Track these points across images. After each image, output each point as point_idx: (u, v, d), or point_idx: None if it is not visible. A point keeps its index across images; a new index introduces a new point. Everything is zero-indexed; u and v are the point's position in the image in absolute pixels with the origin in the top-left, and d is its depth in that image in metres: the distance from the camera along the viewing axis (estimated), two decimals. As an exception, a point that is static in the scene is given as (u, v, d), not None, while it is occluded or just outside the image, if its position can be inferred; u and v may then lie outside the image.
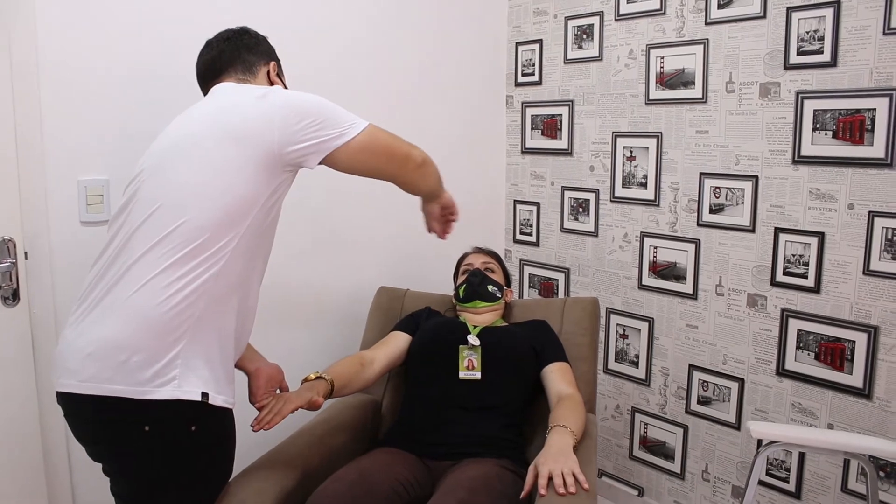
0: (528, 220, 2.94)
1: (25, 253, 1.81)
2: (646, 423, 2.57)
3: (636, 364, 2.58)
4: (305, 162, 1.42)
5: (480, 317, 2.14)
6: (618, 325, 2.63)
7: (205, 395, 1.34)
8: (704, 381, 2.37)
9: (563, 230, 2.79)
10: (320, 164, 1.44)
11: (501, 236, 3.06)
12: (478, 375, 1.93)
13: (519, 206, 2.97)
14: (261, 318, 2.22)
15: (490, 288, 2.17)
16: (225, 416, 1.41)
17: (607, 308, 2.65)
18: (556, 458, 1.56)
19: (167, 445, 1.33)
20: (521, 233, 2.98)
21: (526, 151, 2.90)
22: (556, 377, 1.95)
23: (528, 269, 2.97)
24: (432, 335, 2.04)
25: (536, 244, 2.91)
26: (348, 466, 1.69)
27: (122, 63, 1.90)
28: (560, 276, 2.83)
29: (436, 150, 2.74)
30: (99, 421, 1.33)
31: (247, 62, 1.59)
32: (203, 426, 1.36)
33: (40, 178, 1.81)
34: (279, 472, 1.61)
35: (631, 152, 2.50)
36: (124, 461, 1.36)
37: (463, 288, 2.18)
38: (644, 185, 2.48)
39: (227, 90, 1.48)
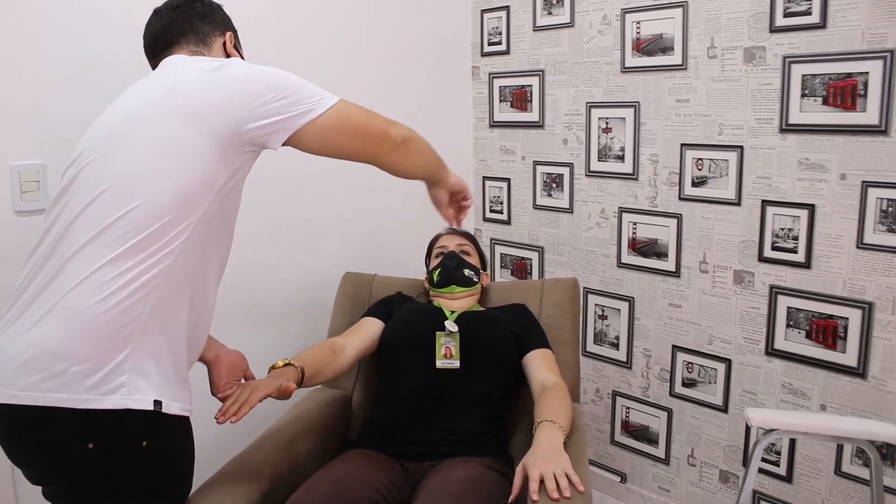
0: (499, 197, 2.80)
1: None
2: (628, 408, 2.47)
3: (616, 346, 2.47)
4: (267, 142, 1.26)
5: (457, 302, 2.00)
6: (596, 305, 2.52)
7: (158, 403, 1.18)
8: (689, 363, 2.27)
9: (536, 207, 2.66)
10: (285, 144, 1.28)
11: (471, 214, 2.92)
12: (456, 364, 1.79)
13: (488, 183, 2.83)
14: (218, 311, 2.07)
15: (466, 272, 2.03)
16: (181, 425, 1.25)
17: (585, 288, 2.53)
18: (546, 459, 1.44)
19: (115, 465, 1.16)
20: (492, 211, 2.84)
21: (494, 125, 2.76)
22: (539, 365, 1.82)
23: (499, 249, 2.84)
24: (407, 321, 1.90)
25: (508, 222, 2.78)
26: (321, 474, 1.55)
27: (56, 33, 1.70)
28: (534, 256, 2.70)
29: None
30: (34, 440, 1.15)
31: (200, 32, 1.42)
32: (157, 441, 1.19)
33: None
34: (244, 484, 1.45)
35: (607, 124, 2.37)
36: (65, 485, 1.19)
37: (437, 272, 2.04)
38: (621, 158, 2.35)
39: (177, 63, 1.31)
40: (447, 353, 1.80)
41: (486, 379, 1.80)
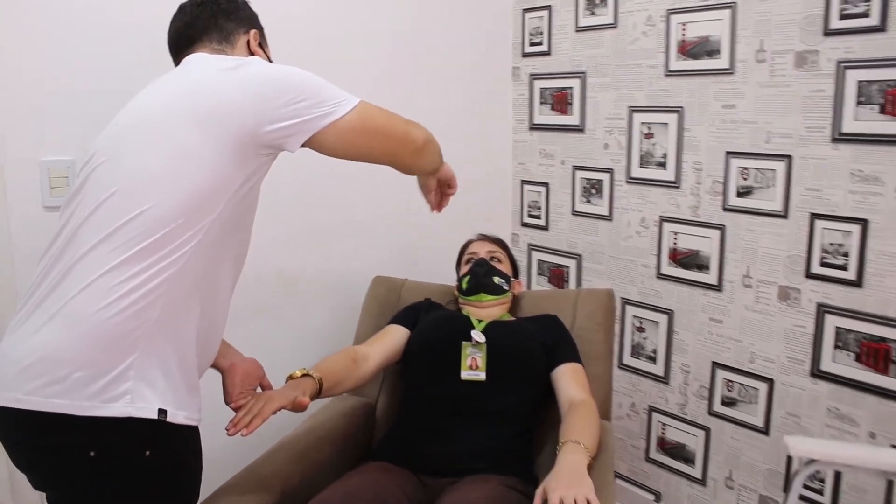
0: (537, 202, 2.72)
1: (-21, 242, 1.64)
2: (664, 424, 2.38)
3: (654, 360, 2.38)
4: (285, 144, 1.22)
5: (485, 311, 1.95)
6: (634, 317, 2.43)
7: (162, 412, 1.15)
8: (729, 381, 2.17)
9: (575, 213, 2.58)
10: (303, 146, 1.25)
11: (508, 219, 2.86)
12: (482, 376, 1.73)
13: (527, 187, 2.76)
14: (243, 312, 2.06)
15: (496, 280, 1.97)
16: (188, 435, 1.22)
17: (622, 298, 2.45)
18: (568, 483, 1.37)
19: (117, 474, 1.14)
20: (530, 216, 2.77)
21: (534, 128, 2.68)
22: (568, 380, 1.75)
23: (536, 255, 2.76)
24: (433, 330, 1.85)
25: (545, 228, 2.70)
26: (334, 486, 1.51)
27: (88, 31, 1.71)
28: (571, 263, 2.62)
29: (434, 126, 2.51)
30: (36, 445, 1.14)
31: (223, 30, 1.40)
32: (160, 450, 1.17)
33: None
34: (253, 495, 1.42)
35: (649, 129, 2.28)
36: (66, 491, 1.17)
37: (466, 279, 1.98)
38: (663, 165, 2.26)
39: (197, 61, 1.29)
40: (473, 364, 1.74)
41: (512, 392, 1.74)
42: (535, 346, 1.80)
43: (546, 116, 2.63)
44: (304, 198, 2.17)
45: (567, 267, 2.64)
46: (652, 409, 2.41)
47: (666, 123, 2.23)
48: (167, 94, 1.22)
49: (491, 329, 1.82)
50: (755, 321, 2.08)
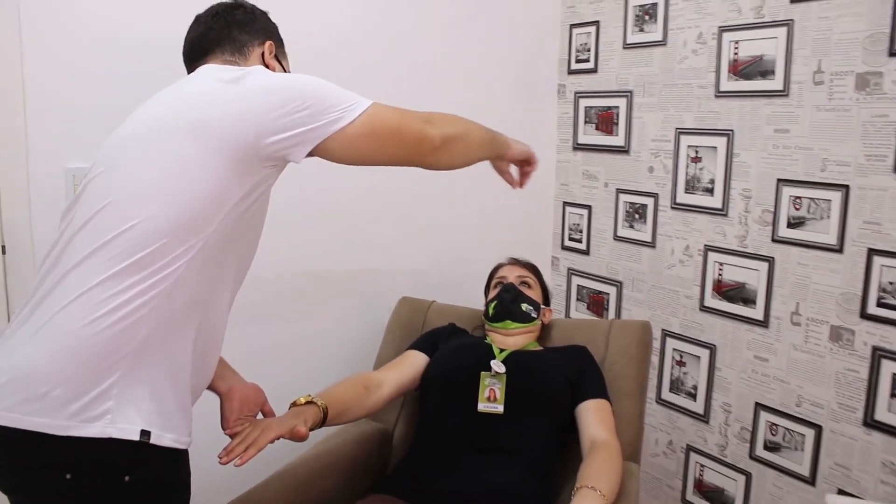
0: (579, 224, 2.62)
1: (3, 247, 1.65)
2: (702, 465, 2.23)
3: (693, 396, 2.24)
4: (290, 155, 1.17)
5: (511, 339, 1.85)
6: (674, 350, 2.29)
7: (146, 433, 1.09)
8: (773, 424, 2.02)
9: (617, 238, 2.46)
10: (311, 156, 1.19)
11: (549, 241, 2.76)
12: (499, 409, 1.64)
13: (569, 209, 2.66)
14: (260, 329, 2.02)
15: (524, 307, 1.88)
16: (175, 460, 1.17)
17: (663, 330, 2.32)
18: None
19: (94, 499, 1.09)
20: (571, 239, 2.66)
21: (578, 147, 2.58)
22: (592, 417, 1.64)
23: (576, 280, 2.65)
24: (451, 358, 1.76)
25: (586, 252, 2.59)
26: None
27: (112, 41, 1.71)
28: (611, 291, 2.50)
29: None
30: (12, 463, 1.09)
31: (237, 41, 1.36)
32: (142, 474, 1.11)
33: (21, 165, 1.66)
34: (245, 526, 1.36)
35: (696, 152, 2.16)
36: None
37: (493, 305, 1.90)
38: (710, 192, 2.13)
39: (201, 72, 1.25)
40: (491, 396, 1.65)
41: (532, 428, 1.64)
42: (559, 379, 1.70)
43: (590, 136, 2.53)
44: (330, 212, 2.12)
45: (607, 294, 2.53)
46: (690, 449, 2.27)
47: (714, 147, 2.11)
48: (168, 104, 1.18)
49: (512, 359, 1.73)
50: (804, 362, 1.93)
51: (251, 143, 1.13)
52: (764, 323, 2.02)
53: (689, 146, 2.18)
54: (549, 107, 2.66)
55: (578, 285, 2.65)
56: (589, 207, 2.57)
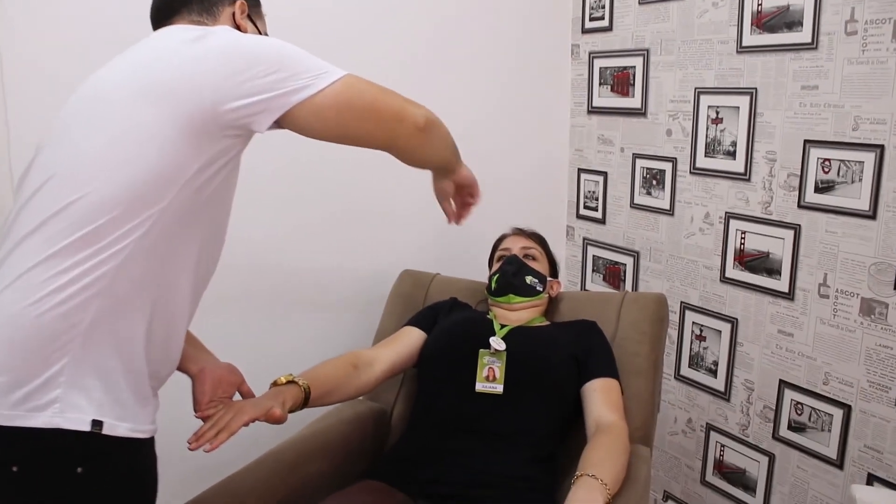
0: (594, 192, 2.49)
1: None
2: (723, 445, 2.12)
3: (714, 373, 2.12)
4: (252, 124, 1.06)
5: (515, 314, 1.75)
6: (694, 323, 2.17)
7: (97, 423, 1.01)
8: (798, 403, 1.89)
9: (634, 206, 2.33)
10: (278, 127, 1.08)
11: (563, 210, 2.63)
12: (499, 389, 1.54)
13: (584, 176, 2.53)
14: (259, 305, 1.94)
15: (528, 279, 1.77)
16: (135, 450, 1.08)
17: (682, 303, 2.19)
18: None
19: (44, 493, 1.01)
20: (586, 207, 2.53)
21: (593, 111, 2.44)
22: (598, 398, 1.54)
23: (591, 250, 2.53)
24: (448, 334, 1.66)
25: (602, 221, 2.46)
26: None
27: (94, 50, 1.61)
28: (628, 261, 2.38)
29: (484, 109, 2.37)
30: None
31: (206, 1, 1.24)
32: (96, 466, 1.03)
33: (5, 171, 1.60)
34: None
35: (717, 113, 2.01)
36: None
37: (496, 278, 1.79)
38: (732, 155, 1.98)
39: (161, 33, 1.14)
40: (490, 376, 1.55)
41: (533, 410, 1.54)
42: (564, 356, 1.59)
43: (606, 99, 2.39)
44: (328, 183, 2.02)
45: (624, 265, 2.40)
46: (710, 428, 2.15)
47: (736, 107, 1.96)
48: (122, 67, 1.08)
49: (513, 335, 1.62)
50: (832, 337, 1.80)
51: (208, 109, 1.02)
52: (789, 295, 1.88)
53: (710, 107, 2.03)
54: (563, 68, 2.52)
55: (594, 256, 2.53)
56: (605, 174, 2.43)
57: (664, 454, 2.31)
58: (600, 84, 2.40)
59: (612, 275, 2.46)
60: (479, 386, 1.54)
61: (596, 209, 2.49)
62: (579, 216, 2.57)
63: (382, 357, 1.62)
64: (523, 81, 2.43)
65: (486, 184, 2.37)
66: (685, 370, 2.22)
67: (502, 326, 1.65)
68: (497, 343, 1.58)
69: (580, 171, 2.54)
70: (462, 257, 2.27)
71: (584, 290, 2.57)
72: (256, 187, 1.83)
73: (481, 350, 1.57)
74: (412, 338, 1.70)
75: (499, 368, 1.55)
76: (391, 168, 2.13)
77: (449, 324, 1.70)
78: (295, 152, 1.88)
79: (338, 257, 2.09)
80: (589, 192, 2.52)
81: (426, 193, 2.22)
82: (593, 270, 2.54)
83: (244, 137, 1.10)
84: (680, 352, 2.23)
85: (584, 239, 2.56)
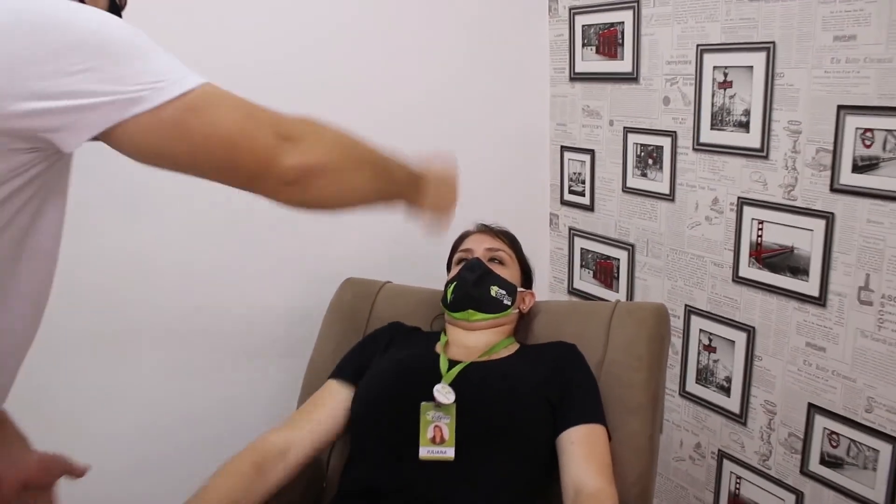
0: (580, 174, 2.11)
1: None
2: (739, 477, 1.76)
3: (726, 391, 1.76)
4: (55, 138, 0.69)
5: (474, 336, 1.38)
6: (702, 331, 1.80)
7: None
8: (833, 433, 1.53)
9: (626, 190, 1.96)
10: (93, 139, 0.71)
11: (545, 195, 2.26)
12: (449, 454, 1.17)
13: (567, 155, 2.15)
14: (148, 347, 1.59)
15: (494, 290, 1.40)
16: None
17: (687, 306, 1.82)
18: None
19: None
20: (571, 192, 2.16)
21: (576, 77, 2.06)
22: (578, 454, 1.18)
23: (579, 243, 2.16)
24: (380, 384, 1.29)
25: (590, 208, 2.09)
26: None
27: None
28: (622, 255, 2.01)
29: (450, 78, 1.98)
30: None
31: None
32: None
33: None
34: None
35: (725, 75, 1.63)
36: None
37: (452, 288, 1.42)
38: (745, 126, 1.60)
39: None
40: (436, 437, 1.18)
41: (496, 476, 1.18)
42: (533, 400, 1.23)
43: (590, 63, 2.00)
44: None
45: (617, 260, 2.03)
46: (723, 455, 1.79)
47: (749, 67, 1.57)
48: None
49: (466, 377, 1.25)
50: (876, 354, 1.43)
51: None
52: (819, 300, 1.51)
53: (716, 67, 1.64)
54: (539, 28, 2.13)
55: (582, 249, 2.15)
56: (592, 152, 2.05)
57: (668, 482, 1.96)
58: (584, 45, 2.01)
59: (604, 271, 2.09)
60: (424, 451, 1.17)
61: (582, 194, 2.11)
62: (564, 202, 2.19)
63: (298, 440, 1.25)
64: (493, 45, 2.04)
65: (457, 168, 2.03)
66: (692, 386, 1.85)
67: (451, 364, 1.28)
68: (443, 394, 1.20)
69: (563, 149, 2.16)
70: (421, 260, 1.88)
71: (573, 289, 2.20)
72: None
73: (423, 404, 1.20)
74: (336, 399, 1.33)
75: (447, 426, 1.18)
76: None
77: (381, 368, 1.33)
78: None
79: (265, 265, 1.72)
80: (574, 173, 2.14)
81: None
82: (582, 266, 2.17)
83: (50, 158, 0.73)
84: (685, 364, 1.86)
85: (570, 229, 2.18)
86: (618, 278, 2.04)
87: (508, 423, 1.20)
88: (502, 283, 1.42)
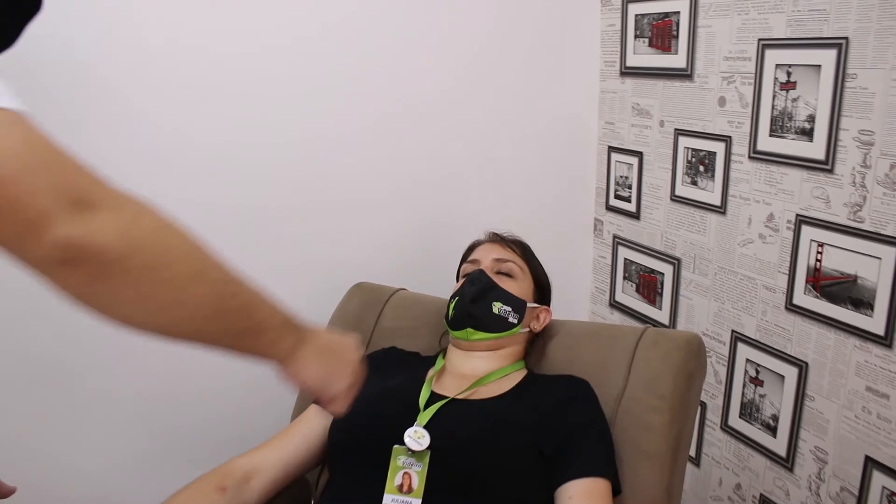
0: (627, 178, 1.93)
1: None
2: (782, 529, 1.57)
3: (773, 430, 1.56)
4: None
5: (471, 361, 1.25)
6: (749, 361, 1.61)
7: None
8: (894, 495, 1.32)
9: (675, 199, 1.77)
10: None
11: (590, 199, 2.08)
12: None
13: (615, 157, 1.97)
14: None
15: (496, 307, 1.25)
16: None
17: (734, 332, 1.63)
18: None
19: None
20: (617, 196, 1.98)
21: (627, 72, 1.87)
22: None
23: (623, 252, 1.98)
24: (353, 421, 1.15)
25: (636, 216, 1.91)
26: None
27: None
28: (666, 270, 1.82)
29: (494, 70, 1.83)
30: None
31: None
32: None
33: None
34: None
35: (789, 75, 1.42)
36: None
37: (453, 303, 1.28)
38: (808, 135, 1.40)
39: None
40: (404, 485, 1.04)
41: None
42: (519, 450, 1.07)
43: (642, 56, 1.81)
44: (275, 172, 1.54)
45: (661, 275, 1.84)
46: (765, 501, 1.60)
47: (817, 66, 1.36)
48: None
49: (445, 418, 1.10)
50: (949, 408, 1.22)
51: None
52: (885, 340, 1.30)
53: (779, 65, 1.44)
54: (591, 17, 1.95)
55: (626, 259, 1.97)
56: (640, 154, 1.87)
57: (705, 523, 1.77)
58: (636, 37, 1.82)
59: (647, 285, 1.90)
60: (388, 499, 1.03)
61: (629, 199, 1.93)
62: (609, 207, 2.02)
63: (266, 464, 1.14)
64: (543, 37, 1.89)
65: (492, 165, 1.89)
66: (735, 420, 1.66)
67: (431, 400, 1.14)
68: (414, 440, 1.05)
69: (611, 149, 1.98)
70: (443, 267, 1.74)
71: (615, 301, 2.03)
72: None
73: (396, 447, 1.06)
74: (312, 425, 1.21)
75: (417, 475, 1.04)
76: (362, 145, 1.67)
77: (360, 401, 1.20)
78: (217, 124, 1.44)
79: (271, 266, 1.61)
80: (620, 177, 1.96)
81: (395, 176, 1.75)
82: (625, 278, 1.99)
83: None
84: (729, 396, 1.67)
85: (615, 237, 2.00)
86: (661, 295, 1.85)
87: (488, 475, 1.05)
88: (507, 298, 1.27)
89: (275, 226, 1.61)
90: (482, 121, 1.83)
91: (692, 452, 1.80)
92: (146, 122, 1.45)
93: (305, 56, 1.57)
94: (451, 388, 1.18)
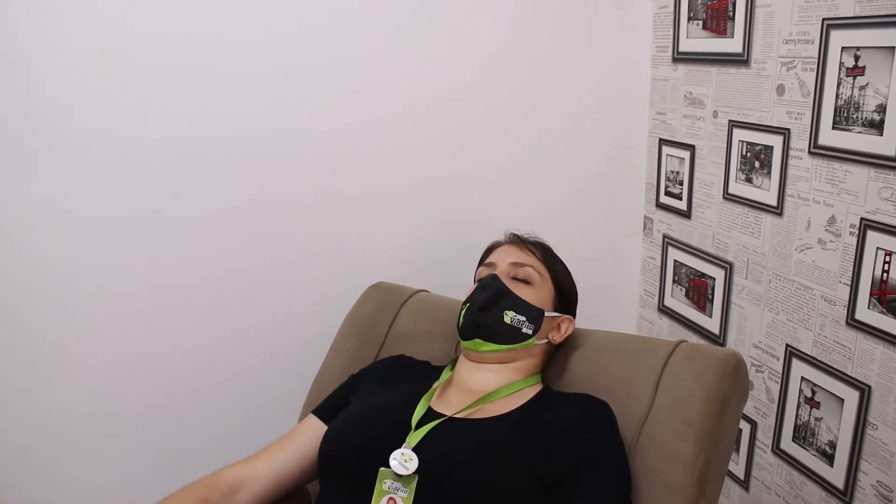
0: (678, 173, 1.78)
1: None
2: (836, 569, 1.40)
3: (829, 458, 1.40)
4: None
5: (480, 375, 1.14)
6: (804, 380, 1.44)
7: None
8: (965, 544, 1.15)
9: (728, 197, 1.61)
10: None
11: (640, 195, 1.94)
12: None
13: (666, 150, 1.82)
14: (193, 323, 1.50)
15: (508, 316, 1.14)
16: None
17: (788, 346, 1.47)
18: None
19: None
20: (667, 193, 1.83)
21: (679, 58, 1.72)
22: None
23: (672, 254, 1.83)
24: (342, 437, 1.07)
25: (687, 214, 1.76)
26: None
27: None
28: (718, 275, 1.67)
29: (536, 55, 1.70)
30: None
31: None
32: None
33: None
34: None
35: (857, 59, 1.25)
36: None
37: (464, 311, 1.17)
38: (878, 127, 1.23)
39: None
40: None
41: None
42: (515, 478, 0.95)
43: (696, 41, 1.66)
44: (294, 154, 1.48)
45: (712, 279, 1.69)
46: (820, 536, 1.44)
47: (890, 48, 1.19)
48: None
49: (437, 440, 1.00)
50: None
51: None
52: (960, 366, 1.13)
53: (845, 48, 1.27)
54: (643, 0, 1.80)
55: (675, 261, 1.83)
56: (692, 148, 1.72)
57: (753, 553, 1.62)
58: (689, 18, 1.67)
59: (697, 290, 1.75)
60: None
61: (679, 197, 1.78)
62: (659, 205, 1.87)
63: (256, 475, 1.07)
64: (594, 19, 1.76)
65: (533, 158, 1.76)
66: (787, 443, 1.50)
67: (427, 418, 1.03)
68: (401, 463, 0.95)
69: (662, 142, 1.83)
70: (473, 267, 1.63)
71: (664, 306, 1.88)
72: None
73: (382, 470, 0.97)
74: (308, 436, 1.13)
75: (403, 501, 0.94)
76: (389, 136, 1.59)
77: (353, 415, 1.11)
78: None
79: (288, 265, 1.55)
80: (671, 172, 1.81)
81: (423, 169, 1.65)
82: (674, 281, 1.84)
83: None
84: (782, 416, 1.51)
85: (665, 237, 1.86)
86: (712, 301, 1.70)
87: (479, 500, 0.94)
88: (522, 306, 1.15)
89: (294, 220, 1.55)
90: (530, 111, 1.72)
91: (741, 475, 1.65)
92: (158, 114, 1.41)
93: (326, 42, 1.50)
94: (453, 404, 1.08)
